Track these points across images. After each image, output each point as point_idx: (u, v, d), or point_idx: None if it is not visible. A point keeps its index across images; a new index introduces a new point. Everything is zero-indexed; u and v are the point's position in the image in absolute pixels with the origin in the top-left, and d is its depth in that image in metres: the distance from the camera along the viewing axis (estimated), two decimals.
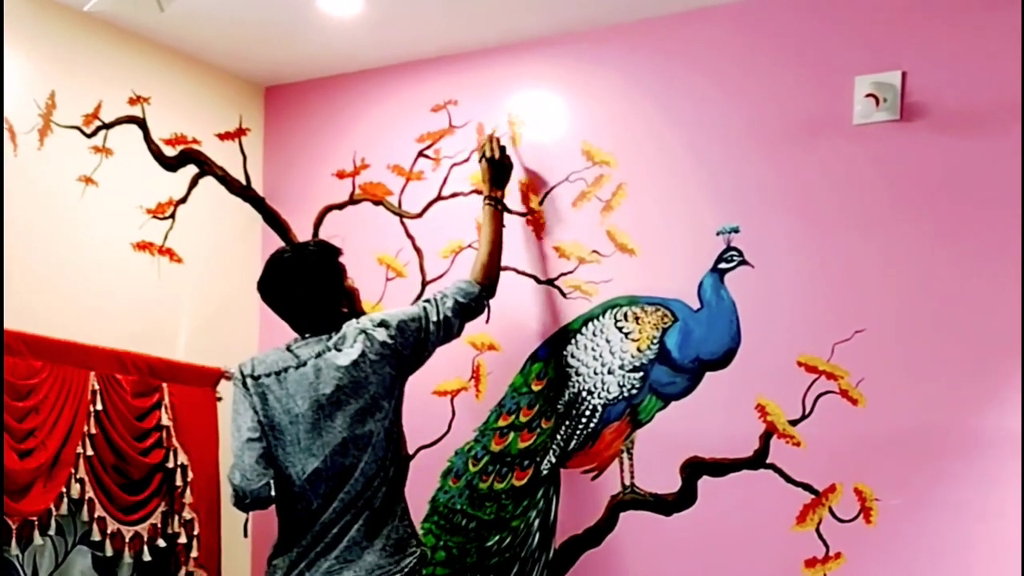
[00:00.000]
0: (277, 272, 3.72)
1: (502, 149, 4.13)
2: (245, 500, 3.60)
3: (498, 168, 4.11)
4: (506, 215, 4.14)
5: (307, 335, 3.70)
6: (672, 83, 4.03)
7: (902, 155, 3.62)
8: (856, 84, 3.68)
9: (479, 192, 4.20)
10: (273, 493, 3.60)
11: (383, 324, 3.67)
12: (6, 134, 3.85)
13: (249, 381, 3.66)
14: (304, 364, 3.62)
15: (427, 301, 3.80)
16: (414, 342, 3.71)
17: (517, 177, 4.25)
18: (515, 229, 4.25)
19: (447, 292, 3.83)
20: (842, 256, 3.70)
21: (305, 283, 3.69)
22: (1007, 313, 3.44)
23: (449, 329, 3.80)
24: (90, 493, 3.88)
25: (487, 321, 4.16)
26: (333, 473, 3.59)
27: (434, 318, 3.75)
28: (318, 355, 3.62)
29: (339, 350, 3.61)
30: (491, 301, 3.97)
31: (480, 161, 4.15)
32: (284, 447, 3.61)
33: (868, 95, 3.63)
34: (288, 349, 3.69)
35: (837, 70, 3.73)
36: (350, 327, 3.67)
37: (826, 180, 3.74)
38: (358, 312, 3.84)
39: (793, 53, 3.82)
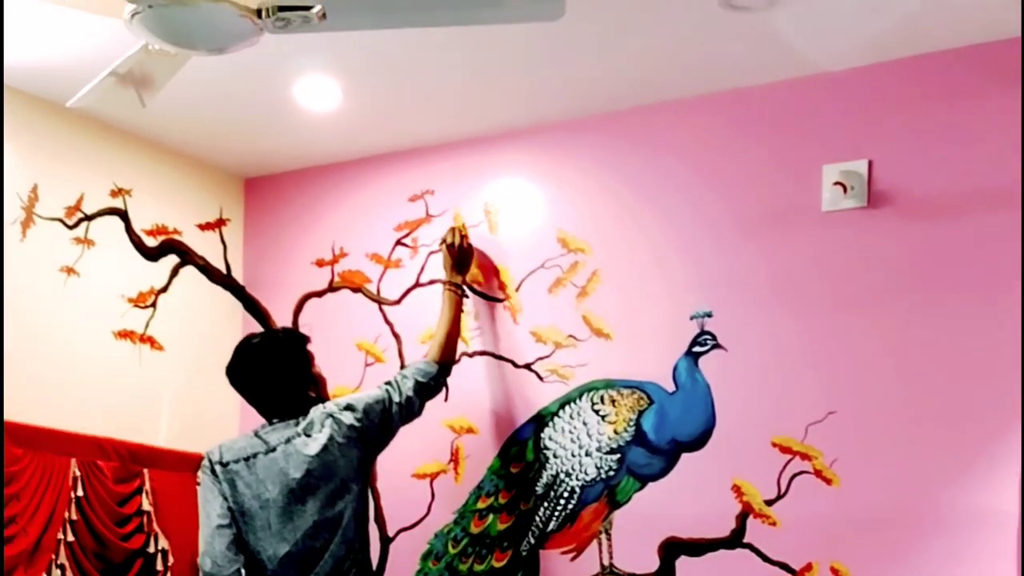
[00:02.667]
0: (245, 358, 3.77)
1: (463, 237, 4.23)
2: None
3: (460, 255, 4.20)
4: (484, 302, 4.23)
5: (275, 420, 3.73)
6: (644, 173, 4.12)
7: (870, 241, 3.70)
8: (824, 172, 3.77)
9: (445, 272, 4.28)
10: None
11: (349, 408, 3.72)
12: None
13: (218, 468, 3.68)
14: (273, 450, 3.65)
15: (388, 383, 3.86)
16: (380, 423, 3.77)
17: (497, 264, 4.33)
18: (492, 314, 4.32)
19: (407, 373, 3.90)
20: (814, 339, 3.77)
21: (272, 369, 3.73)
22: (977, 393, 3.51)
23: (411, 408, 3.86)
24: None
25: (446, 399, 4.22)
26: (304, 556, 3.61)
27: (397, 399, 3.81)
28: (287, 440, 3.65)
29: (308, 435, 3.64)
30: (470, 383, 4.02)
31: (441, 246, 4.23)
32: (255, 532, 3.63)
33: (836, 183, 3.72)
34: (256, 435, 3.71)
35: (806, 159, 3.82)
36: (317, 412, 3.71)
37: (797, 265, 3.82)
38: (324, 398, 3.88)
39: (763, 143, 3.92)
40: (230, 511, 3.65)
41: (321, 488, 3.63)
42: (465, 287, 4.21)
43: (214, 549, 3.60)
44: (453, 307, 4.09)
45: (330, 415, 3.68)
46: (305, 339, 3.88)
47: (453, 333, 4.05)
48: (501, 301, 4.31)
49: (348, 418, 3.69)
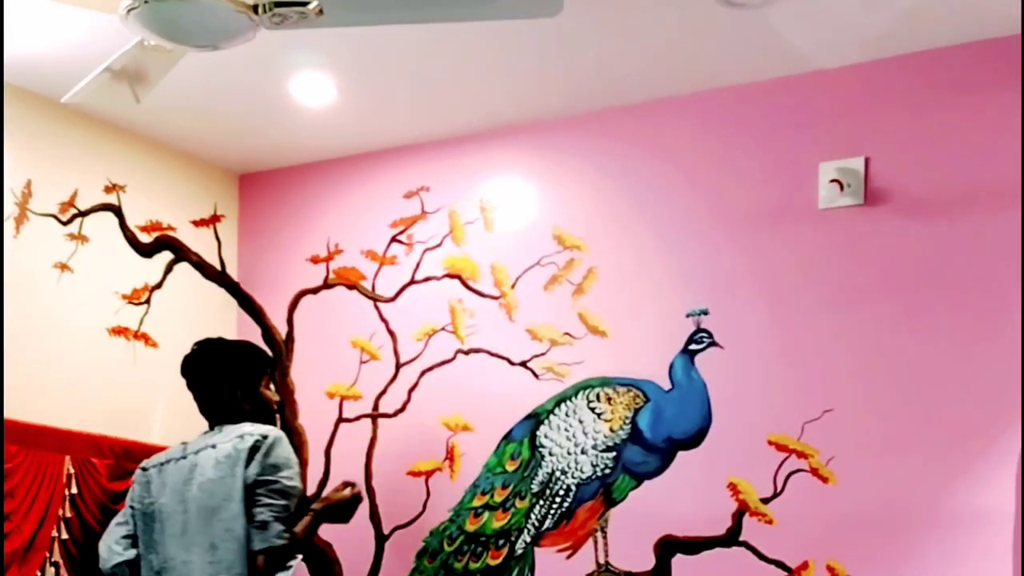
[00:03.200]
0: (193, 356, 3.74)
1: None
2: (103, 570, 3.60)
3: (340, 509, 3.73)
4: (481, 299, 4.26)
5: (214, 428, 3.65)
6: (641, 170, 4.12)
7: (867, 238, 3.71)
8: (820, 170, 3.77)
9: (452, 276, 4.29)
10: (128, 572, 3.56)
11: (270, 458, 3.43)
12: None
13: (138, 472, 3.67)
14: (184, 458, 3.59)
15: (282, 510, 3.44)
16: (256, 486, 3.43)
17: (490, 261, 4.33)
18: (488, 312, 4.32)
19: (276, 529, 3.40)
20: (810, 337, 3.77)
21: (205, 374, 3.69)
22: (974, 391, 3.52)
23: (264, 528, 3.40)
24: None
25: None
26: (180, 572, 3.48)
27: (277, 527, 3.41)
28: (198, 451, 3.56)
29: (214, 448, 3.52)
30: (465, 381, 4.03)
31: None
32: (152, 536, 3.56)
33: (832, 180, 3.73)
34: (184, 442, 3.67)
35: (802, 157, 3.82)
36: (239, 429, 3.53)
37: (793, 263, 3.82)
38: (266, 419, 3.70)
39: (759, 140, 3.92)
40: (132, 511, 3.61)
41: (209, 503, 3.45)
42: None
43: (110, 536, 3.61)
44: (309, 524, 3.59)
45: (242, 436, 3.49)
46: (262, 355, 3.85)
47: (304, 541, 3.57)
48: (497, 299, 4.30)
49: (254, 461, 3.43)
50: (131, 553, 3.58)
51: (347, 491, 3.69)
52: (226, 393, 3.66)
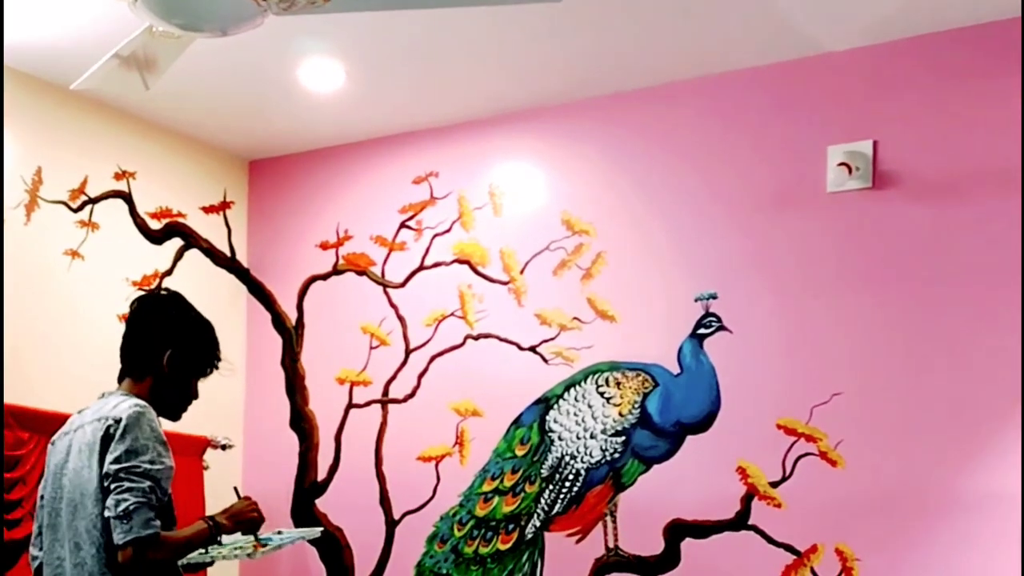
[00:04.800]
0: (135, 307, 3.06)
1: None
2: None
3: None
4: (490, 284, 4.28)
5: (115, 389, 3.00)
6: (650, 154, 4.11)
7: (875, 221, 3.71)
8: (829, 153, 3.77)
9: (461, 261, 4.30)
10: None
11: (125, 443, 2.76)
12: None
13: (49, 445, 3.00)
14: (75, 431, 2.92)
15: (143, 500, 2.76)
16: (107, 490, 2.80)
17: (499, 247, 4.33)
18: (497, 297, 4.33)
19: (134, 520, 2.72)
20: (819, 320, 3.77)
21: (137, 322, 3.03)
22: (982, 375, 3.52)
23: (122, 514, 2.73)
24: None
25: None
26: (51, 569, 2.90)
27: (116, 510, 2.72)
28: (79, 428, 2.91)
29: (83, 428, 2.89)
30: (475, 366, 4.04)
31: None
32: (42, 513, 2.97)
33: (840, 164, 3.72)
34: (80, 410, 3.01)
35: (810, 140, 3.82)
36: (106, 404, 2.89)
37: (802, 246, 3.82)
38: (178, 400, 3.02)
39: (768, 124, 3.91)
40: (41, 499, 2.92)
41: (75, 500, 2.85)
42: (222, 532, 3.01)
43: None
44: (199, 532, 2.89)
45: (99, 419, 2.83)
46: (200, 322, 3.08)
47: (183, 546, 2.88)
48: (506, 284, 4.31)
49: (117, 442, 2.76)
50: (40, 552, 2.96)
51: (245, 505, 3.01)
52: (145, 351, 2.95)
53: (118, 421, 2.77)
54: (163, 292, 3.22)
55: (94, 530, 2.79)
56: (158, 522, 2.74)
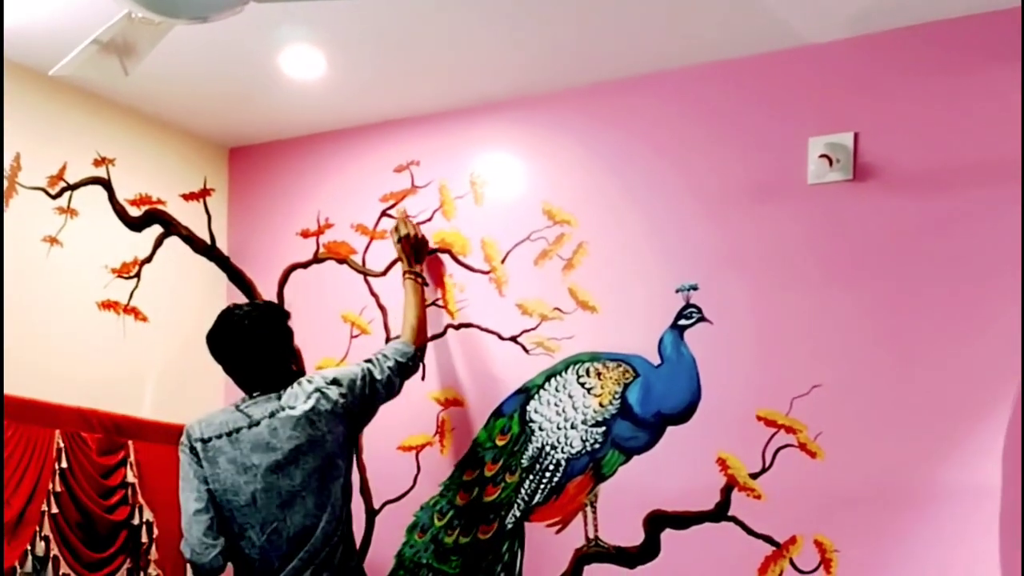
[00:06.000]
0: (229, 328, 3.75)
1: (416, 227, 4.30)
2: (199, 572, 3.64)
3: (415, 245, 4.24)
4: (471, 273, 4.24)
5: (256, 394, 3.72)
6: (632, 144, 4.11)
7: (856, 214, 3.71)
8: (810, 145, 3.77)
9: (442, 250, 4.30)
10: (224, 562, 3.63)
11: (335, 382, 3.72)
12: None
13: (198, 446, 3.67)
14: (257, 424, 3.64)
15: (369, 361, 3.86)
16: (363, 399, 3.77)
17: (480, 236, 4.32)
18: (478, 287, 4.32)
19: (387, 352, 3.91)
20: (799, 312, 3.77)
21: (256, 340, 3.72)
22: (961, 366, 3.52)
23: (391, 387, 3.86)
24: (55, 551, 3.89)
25: (423, 378, 4.25)
26: (294, 533, 3.61)
27: (379, 377, 3.81)
28: (272, 415, 3.64)
29: (293, 408, 3.63)
30: (456, 355, 4.03)
31: (396, 242, 4.26)
32: (240, 508, 3.62)
33: (822, 156, 3.72)
34: (238, 409, 3.71)
35: (791, 132, 3.81)
36: (301, 385, 3.70)
37: (783, 238, 3.82)
38: (302, 372, 3.87)
39: (749, 115, 3.91)
40: (209, 492, 3.64)
41: (308, 462, 3.62)
42: (424, 275, 4.26)
43: (192, 536, 3.60)
44: (417, 294, 4.12)
45: (317, 389, 3.67)
46: (286, 314, 3.88)
47: (422, 318, 4.08)
48: (487, 273, 4.30)
49: (334, 393, 3.68)
50: (222, 541, 3.61)
51: (398, 236, 4.23)
52: (278, 359, 3.76)
53: (333, 380, 3.72)
54: (233, 320, 3.78)
55: (340, 479, 3.69)
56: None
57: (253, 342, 3.71)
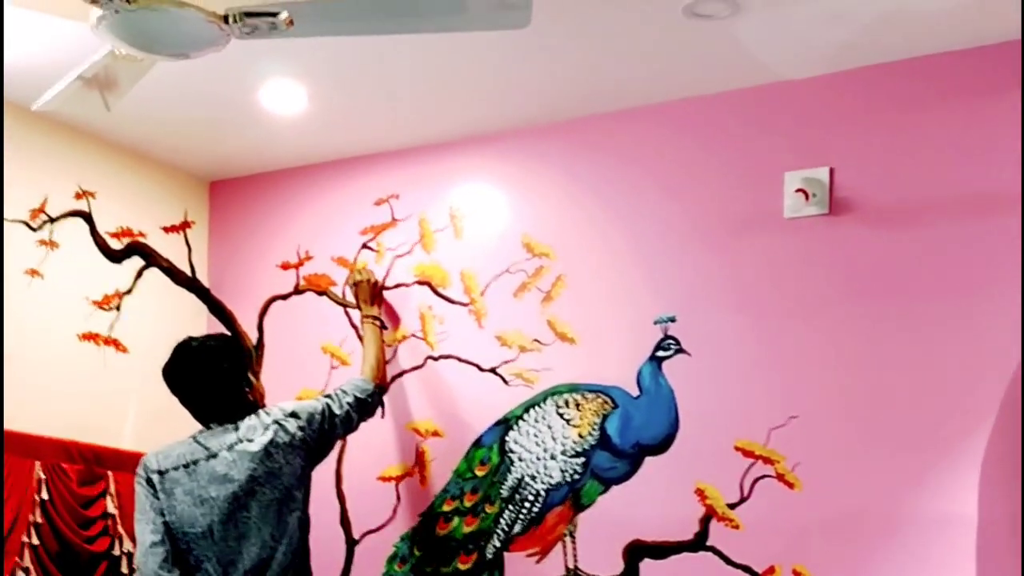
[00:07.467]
0: (185, 360, 3.71)
1: (370, 272, 4.38)
2: None
3: (369, 290, 4.33)
4: (450, 305, 4.27)
5: (212, 425, 3.69)
6: (609, 179, 4.14)
7: (832, 247, 3.74)
8: (786, 180, 3.80)
9: (422, 282, 4.33)
10: None
11: (293, 415, 3.71)
12: None
13: (155, 477, 3.62)
14: (215, 455, 3.60)
15: (328, 396, 3.88)
16: (320, 433, 3.77)
17: (460, 268, 4.35)
18: (458, 319, 4.34)
19: (346, 388, 3.93)
20: (776, 344, 3.80)
21: (212, 371, 3.68)
22: (937, 397, 3.55)
23: (349, 423, 3.88)
24: None
25: (382, 416, 4.26)
26: (250, 565, 3.58)
27: (338, 412, 3.83)
28: (230, 447, 3.61)
29: (251, 440, 3.61)
30: (435, 386, 4.04)
31: (352, 287, 4.38)
32: (197, 541, 3.57)
33: (798, 190, 3.76)
34: (195, 440, 3.67)
35: (768, 166, 3.85)
36: (260, 417, 3.69)
37: (759, 271, 3.85)
38: (261, 405, 3.83)
39: (726, 150, 3.95)
40: (165, 524, 3.59)
41: (266, 495, 3.60)
42: (383, 317, 4.34)
43: (148, 568, 3.55)
44: (376, 336, 4.19)
45: (276, 421, 3.67)
46: (242, 346, 3.94)
47: (381, 358, 4.13)
48: (466, 306, 4.32)
49: (292, 426, 3.68)
50: (177, 573, 3.56)
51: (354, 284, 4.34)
52: (235, 389, 3.70)
53: (291, 413, 3.71)
54: (185, 352, 3.74)
55: (297, 511, 3.66)
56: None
57: (209, 374, 3.68)
